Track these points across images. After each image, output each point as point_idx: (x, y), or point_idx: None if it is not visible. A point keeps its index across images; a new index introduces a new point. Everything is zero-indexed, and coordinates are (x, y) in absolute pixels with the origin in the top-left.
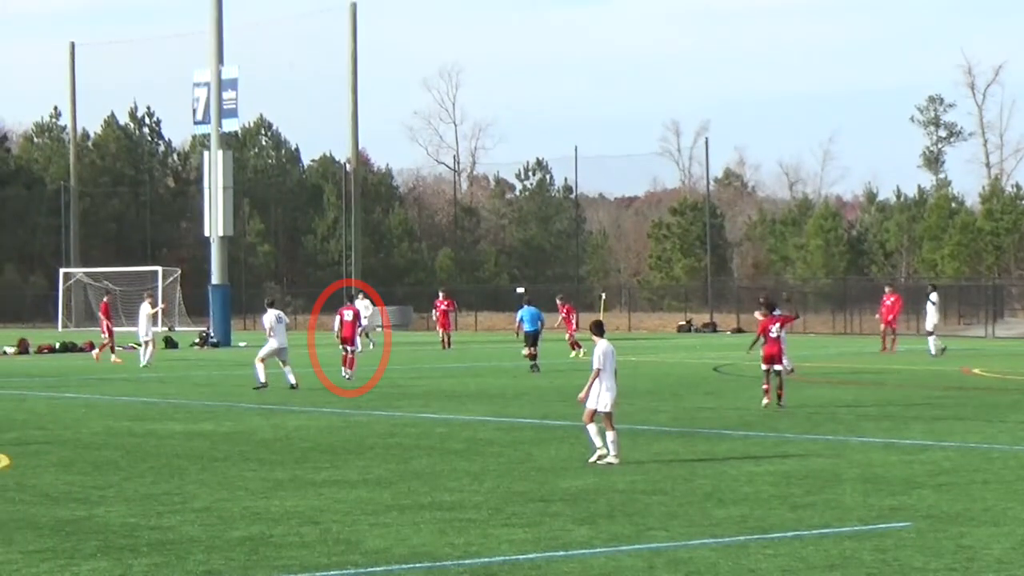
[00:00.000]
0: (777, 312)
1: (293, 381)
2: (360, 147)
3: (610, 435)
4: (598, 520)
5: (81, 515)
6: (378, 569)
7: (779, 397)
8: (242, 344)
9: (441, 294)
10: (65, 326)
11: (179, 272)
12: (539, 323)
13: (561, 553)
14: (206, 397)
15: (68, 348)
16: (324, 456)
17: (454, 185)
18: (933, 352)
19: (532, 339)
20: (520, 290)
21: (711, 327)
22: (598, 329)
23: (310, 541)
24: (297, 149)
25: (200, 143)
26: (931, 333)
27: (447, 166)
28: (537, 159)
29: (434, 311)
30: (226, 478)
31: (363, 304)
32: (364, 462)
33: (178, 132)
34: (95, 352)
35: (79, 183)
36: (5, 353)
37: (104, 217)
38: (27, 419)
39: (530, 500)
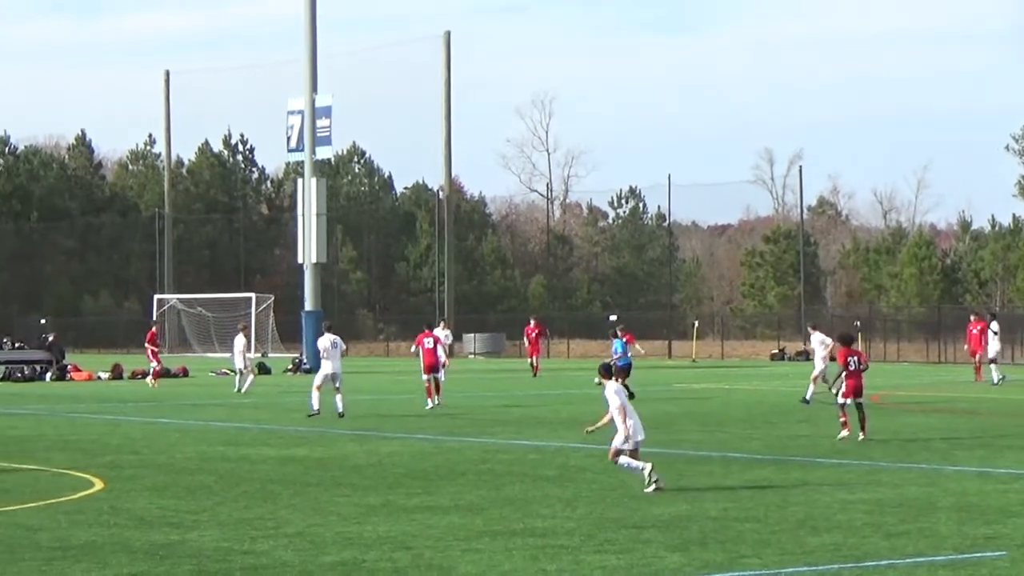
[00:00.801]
0: (854, 346)
1: (341, 409)
2: (453, 174)
3: (638, 463)
4: (690, 547)
5: (175, 539)
6: None
7: (862, 428)
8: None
9: (532, 321)
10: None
11: (272, 299)
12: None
13: None
14: (299, 423)
15: (162, 374)
16: (416, 482)
17: (547, 213)
18: (995, 380)
19: (626, 371)
20: (613, 318)
21: (804, 355)
22: (608, 372)
23: (402, 567)
24: (390, 176)
25: (293, 170)
26: (993, 361)
27: (540, 194)
28: (630, 187)
29: (525, 339)
30: (319, 503)
31: (443, 333)
32: (456, 488)
33: (271, 159)
34: (149, 380)
35: (173, 210)
36: (100, 378)
37: (198, 244)
38: (121, 443)
39: (623, 527)
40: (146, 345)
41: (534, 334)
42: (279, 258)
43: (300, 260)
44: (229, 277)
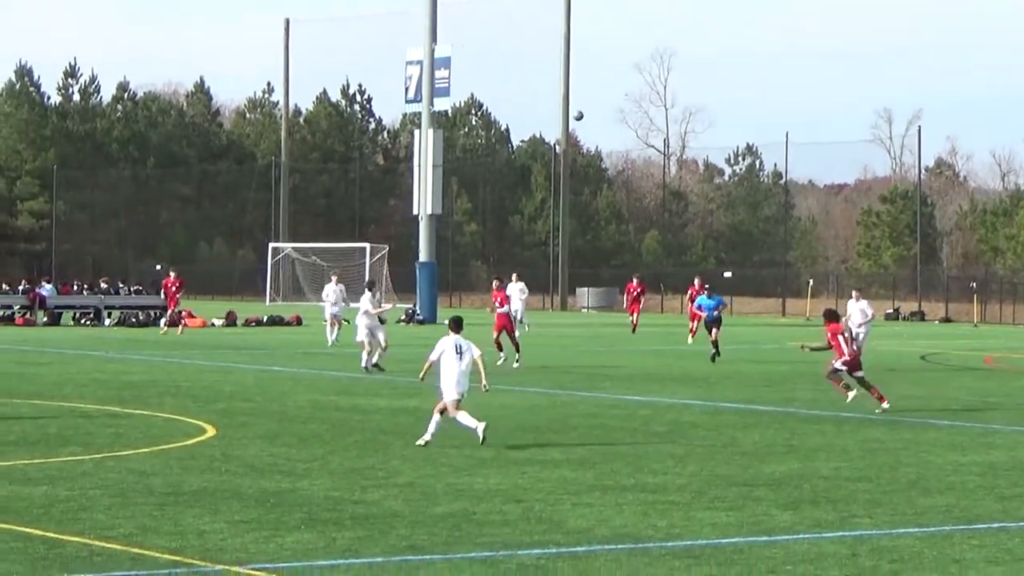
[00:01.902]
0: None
1: (374, 360)
2: (570, 128)
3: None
4: (802, 506)
5: (286, 487)
6: (580, 549)
7: (880, 398)
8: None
9: (635, 279)
10: (272, 300)
11: (386, 249)
12: (718, 309)
13: (764, 538)
14: (411, 374)
15: (275, 321)
16: (528, 434)
17: (663, 168)
18: None
19: (715, 325)
20: (727, 274)
21: (919, 315)
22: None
23: (513, 519)
24: (507, 129)
25: (411, 121)
26: None
27: (656, 149)
28: (747, 144)
29: (626, 295)
30: (430, 454)
31: (517, 287)
32: (568, 442)
33: (389, 110)
34: (179, 329)
35: (289, 159)
36: (213, 325)
37: (314, 193)
38: (234, 391)
39: (733, 484)
40: (165, 292)
41: (636, 292)
42: (394, 208)
43: (415, 211)
44: (344, 227)
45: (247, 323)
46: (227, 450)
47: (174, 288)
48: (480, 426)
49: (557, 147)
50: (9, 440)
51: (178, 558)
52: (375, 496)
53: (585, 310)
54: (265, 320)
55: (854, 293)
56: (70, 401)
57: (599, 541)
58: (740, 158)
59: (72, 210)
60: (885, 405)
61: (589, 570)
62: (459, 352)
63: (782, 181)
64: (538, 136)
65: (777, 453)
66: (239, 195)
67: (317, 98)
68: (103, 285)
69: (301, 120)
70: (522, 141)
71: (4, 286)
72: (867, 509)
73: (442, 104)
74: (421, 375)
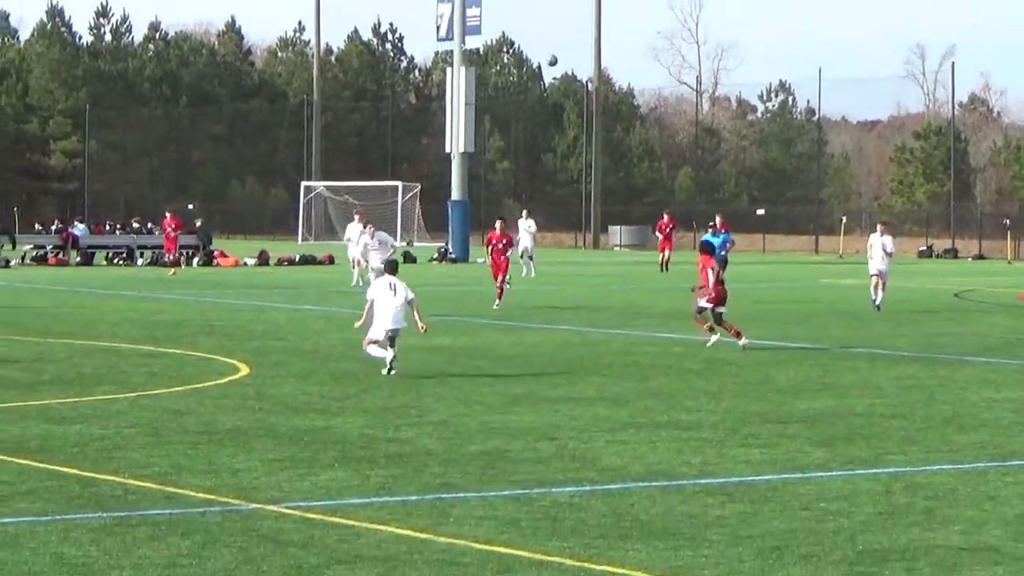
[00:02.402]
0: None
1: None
2: (602, 66)
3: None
4: (836, 443)
5: (319, 425)
6: (614, 486)
7: (738, 335)
8: (479, 260)
9: (665, 215)
10: (305, 239)
11: (419, 188)
12: (725, 248)
13: (798, 475)
14: (444, 312)
15: (308, 260)
16: (561, 373)
17: (696, 105)
18: None
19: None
20: (760, 212)
21: (952, 252)
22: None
23: (546, 457)
24: (539, 67)
25: (442, 59)
26: None
27: (689, 86)
28: (780, 80)
29: (658, 232)
30: (463, 392)
31: (525, 224)
32: (601, 379)
33: (420, 48)
34: (172, 270)
35: (321, 97)
36: (246, 264)
37: (345, 132)
38: (266, 329)
39: (767, 421)
40: (167, 231)
41: (668, 228)
42: (426, 147)
43: (448, 149)
44: (376, 165)
45: (279, 262)
46: (261, 389)
47: (171, 229)
48: (389, 354)
49: (589, 84)
50: (43, 379)
51: (212, 496)
52: (408, 434)
53: (617, 248)
54: (297, 259)
55: (879, 226)
56: (103, 340)
57: (633, 478)
58: (773, 95)
59: (104, 150)
60: (743, 341)
61: (623, 507)
62: (393, 290)
63: (815, 118)
64: (570, 74)
65: (811, 390)
66: (271, 134)
67: (348, 37)
68: (135, 225)
69: (332, 59)
70: (554, 79)
71: (37, 226)
72: (901, 446)
73: (474, 42)
74: (359, 322)
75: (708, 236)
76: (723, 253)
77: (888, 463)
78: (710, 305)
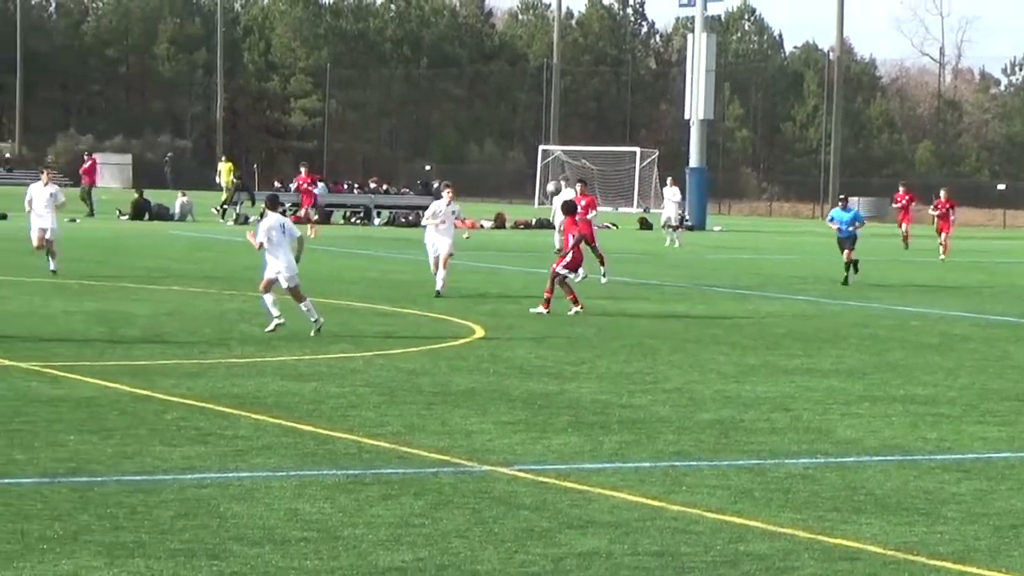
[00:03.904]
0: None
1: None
2: (844, 35)
3: (303, 305)
4: None
5: (553, 389)
6: (848, 459)
7: (576, 301)
8: (716, 228)
9: (901, 188)
10: (542, 203)
11: (656, 154)
12: (854, 226)
13: None
14: (679, 279)
15: (544, 225)
16: (797, 343)
17: (938, 78)
18: None
19: (846, 244)
20: (1001, 187)
21: None
22: (272, 202)
23: (780, 428)
24: (780, 35)
25: (683, 25)
26: None
27: (931, 58)
28: None
29: (893, 203)
30: (698, 360)
31: (671, 191)
32: (837, 351)
33: (661, 13)
34: (310, 229)
35: (561, 61)
36: (482, 227)
37: (584, 96)
38: (502, 292)
39: (1005, 398)
40: (299, 190)
41: (903, 201)
42: (665, 113)
43: (687, 116)
44: (614, 130)
45: (516, 225)
46: (495, 351)
47: (307, 185)
48: (320, 322)
49: (831, 54)
50: (280, 336)
51: (445, 457)
52: (642, 401)
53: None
54: (534, 223)
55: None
56: (340, 299)
57: (867, 452)
58: (1017, 68)
59: (344, 109)
60: (576, 309)
61: (857, 481)
62: (286, 232)
63: None
64: (811, 42)
65: None
66: (510, 96)
67: (590, 1)
68: (373, 184)
69: (573, 22)
70: (795, 47)
71: (276, 184)
72: None
73: (716, 8)
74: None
75: (837, 211)
76: (850, 229)
77: None
78: (567, 271)
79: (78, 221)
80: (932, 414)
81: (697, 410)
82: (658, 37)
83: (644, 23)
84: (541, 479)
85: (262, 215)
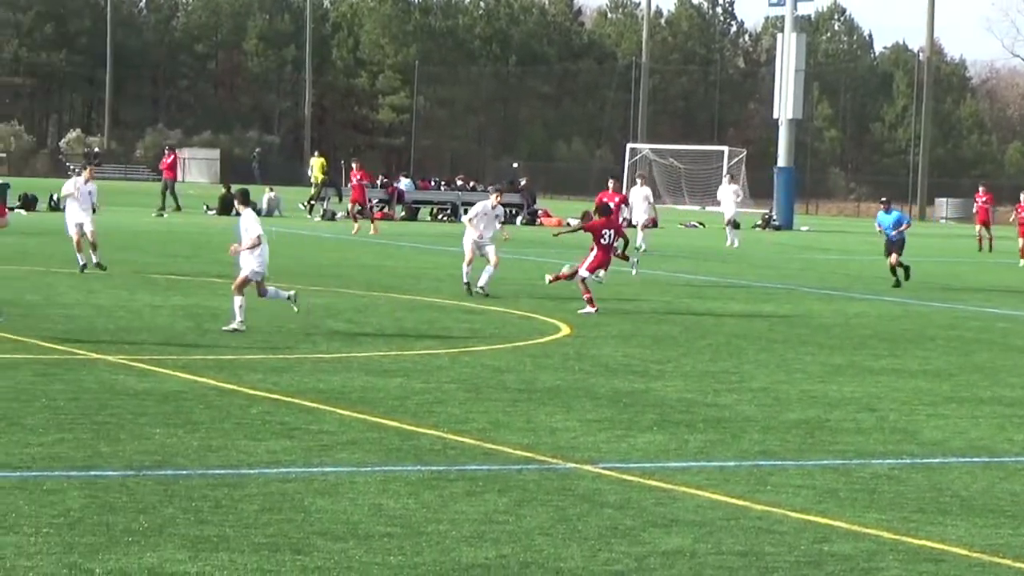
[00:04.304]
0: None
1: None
2: (934, 36)
3: (269, 295)
4: None
5: (639, 388)
6: (934, 460)
7: (591, 302)
8: (804, 228)
9: (981, 188)
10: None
11: (744, 153)
12: (899, 228)
13: None
14: (766, 279)
15: (631, 224)
16: (883, 344)
17: None
18: None
19: (894, 248)
20: None
21: None
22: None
23: (866, 428)
24: (870, 35)
25: (773, 25)
26: None
27: (1022, 59)
28: None
29: (974, 204)
30: (784, 360)
31: (731, 189)
32: (924, 352)
33: (751, 13)
34: (357, 226)
35: (650, 60)
36: (568, 224)
37: (672, 95)
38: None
39: None
40: (353, 183)
41: (981, 201)
42: (753, 112)
43: (775, 115)
44: (702, 129)
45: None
46: (581, 349)
47: (357, 180)
48: (294, 296)
49: (921, 54)
50: (366, 332)
51: (530, 454)
52: (728, 400)
53: (943, 221)
54: (621, 221)
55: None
56: (426, 295)
57: (953, 453)
58: None
59: (432, 106)
60: (590, 310)
61: (943, 482)
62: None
63: None
64: (901, 43)
65: None
66: (598, 95)
67: (679, 0)
68: (460, 182)
69: (662, 21)
70: (885, 47)
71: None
72: None
73: (806, 8)
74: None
75: (881, 214)
76: (893, 233)
77: None
78: (589, 273)
79: (165, 216)
80: (1019, 416)
81: (782, 410)
82: (747, 36)
83: (733, 22)
84: (625, 477)
85: (237, 213)
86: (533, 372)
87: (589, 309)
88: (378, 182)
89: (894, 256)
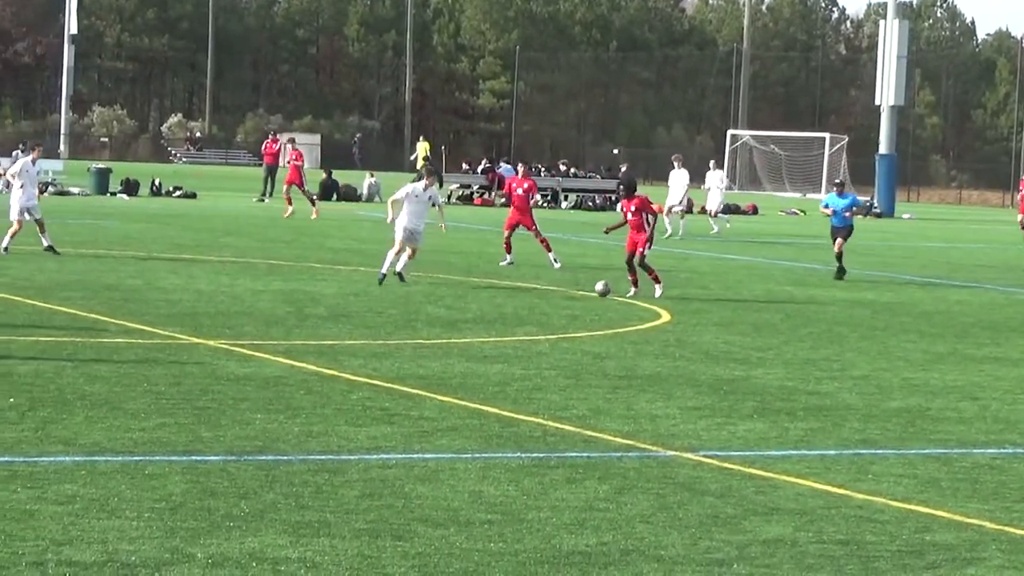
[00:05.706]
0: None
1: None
2: None
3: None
4: None
5: (739, 375)
6: None
7: (657, 280)
8: (906, 216)
9: None
10: (728, 188)
11: (845, 140)
12: (848, 212)
13: None
14: (868, 267)
15: (730, 210)
16: (986, 332)
17: None
18: None
19: (840, 234)
20: None
21: None
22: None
23: (968, 417)
24: (972, 22)
25: (875, 11)
26: None
27: None
28: None
29: (1018, 193)
30: (885, 348)
31: (717, 176)
32: None
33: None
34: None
35: (751, 46)
36: (671, 211)
37: (773, 81)
38: (689, 277)
39: None
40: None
41: None
42: (854, 99)
43: (877, 102)
44: (803, 115)
45: (702, 211)
46: (681, 336)
47: (292, 161)
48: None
49: (1023, 41)
50: (467, 318)
51: (630, 442)
52: (829, 388)
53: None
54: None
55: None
56: (526, 281)
57: None
58: None
59: (532, 91)
60: (654, 290)
61: None
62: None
63: None
64: (1004, 30)
65: None
66: (699, 81)
67: None
68: (561, 167)
69: (764, 7)
70: (987, 34)
71: (464, 165)
72: None
73: None
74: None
75: (832, 196)
76: (846, 216)
77: None
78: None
79: (266, 201)
80: None
81: (884, 398)
82: (849, 23)
83: (835, 9)
84: (726, 465)
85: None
86: (633, 359)
87: (632, 291)
88: (479, 168)
89: (839, 242)
